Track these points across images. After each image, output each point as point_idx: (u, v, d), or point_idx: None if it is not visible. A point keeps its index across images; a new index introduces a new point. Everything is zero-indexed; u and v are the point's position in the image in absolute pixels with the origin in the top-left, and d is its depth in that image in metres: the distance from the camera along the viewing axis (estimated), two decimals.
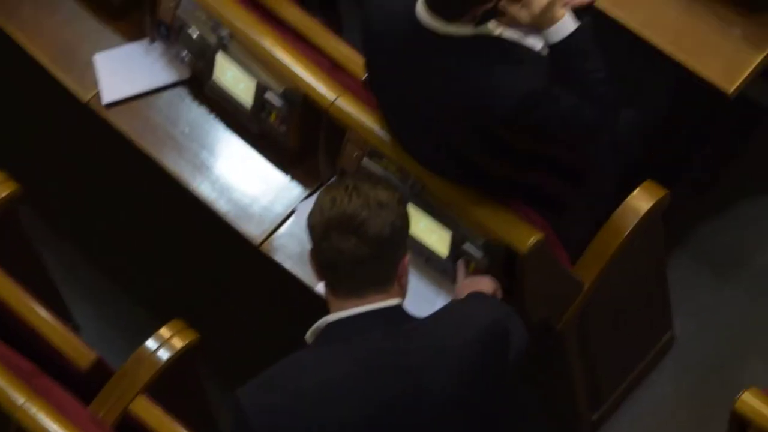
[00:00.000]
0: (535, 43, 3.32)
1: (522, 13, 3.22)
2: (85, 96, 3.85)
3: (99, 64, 3.87)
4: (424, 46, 3.23)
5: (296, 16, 3.72)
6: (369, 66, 3.49)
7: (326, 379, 2.73)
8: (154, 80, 3.85)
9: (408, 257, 2.85)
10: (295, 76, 3.60)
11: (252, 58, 3.64)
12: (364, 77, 3.60)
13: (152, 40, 3.85)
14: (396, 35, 3.28)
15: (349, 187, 2.79)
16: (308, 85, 3.59)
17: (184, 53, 3.76)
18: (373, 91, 3.51)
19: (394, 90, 3.37)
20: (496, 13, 3.21)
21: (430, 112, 3.29)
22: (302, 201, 3.69)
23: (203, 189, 3.74)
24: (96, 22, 3.92)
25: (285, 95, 3.61)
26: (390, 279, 2.80)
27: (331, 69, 3.64)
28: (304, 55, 3.64)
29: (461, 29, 3.20)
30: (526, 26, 3.25)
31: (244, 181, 3.74)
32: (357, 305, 2.77)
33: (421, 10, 3.21)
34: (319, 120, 3.61)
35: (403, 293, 2.86)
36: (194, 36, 3.71)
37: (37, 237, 4.01)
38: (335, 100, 3.55)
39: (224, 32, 3.66)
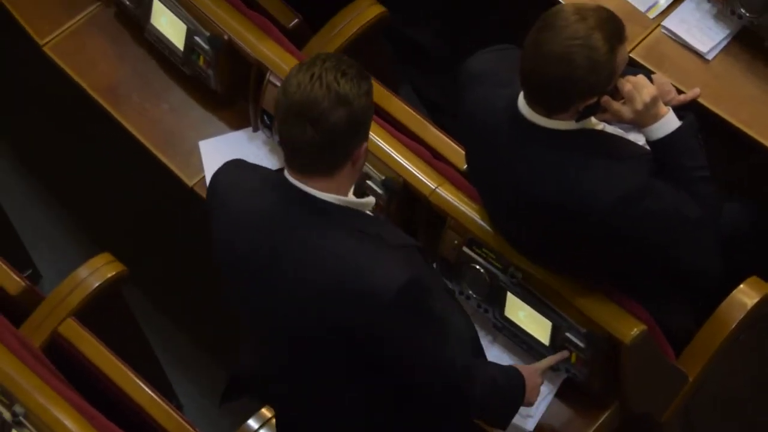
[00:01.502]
0: (638, 138, 3.27)
1: (624, 110, 3.18)
2: (190, 181, 3.86)
3: (204, 151, 3.88)
4: (525, 139, 3.19)
5: (399, 108, 3.72)
6: (469, 157, 3.47)
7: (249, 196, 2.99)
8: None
9: (365, 144, 2.93)
10: (396, 164, 3.58)
11: None
12: (464, 167, 3.59)
13: (255, 129, 3.86)
14: (497, 127, 3.24)
15: (314, 74, 2.86)
16: (409, 173, 3.57)
17: None
18: (473, 181, 3.49)
19: (494, 181, 3.33)
20: (599, 109, 3.16)
21: (530, 203, 3.24)
22: None
23: None
24: (201, 110, 3.93)
25: (385, 183, 3.58)
26: (339, 165, 2.93)
27: (432, 159, 3.63)
28: (405, 145, 3.63)
29: (563, 124, 3.16)
30: (628, 122, 3.22)
31: None
32: (304, 180, 2.91)
33: (522, 103, 3.18)
34: (419, 209, 3.58)
35: (356, 173, 2.98)
36: None
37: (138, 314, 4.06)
38: (436, 188, 3.53)
39: None
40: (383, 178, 3.59)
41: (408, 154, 3.59)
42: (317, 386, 3.13)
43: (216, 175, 3.09)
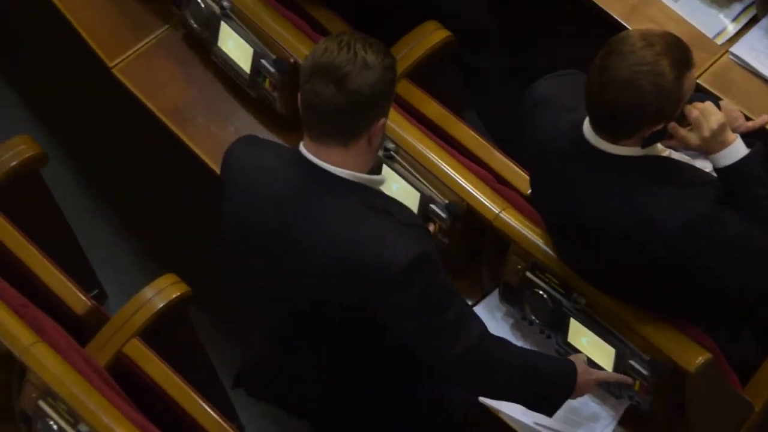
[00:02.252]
0: (705, 165, 3.22)
1: (691, 136, 3.13)
2: None
3: None
4: (590, 165, 3.15)
5: (464, 133, 3.69)
6: (533, 182, 3.43)
7: (264, 173, 3.02)
8: None
9: (383, 121, 2.94)
10: (460, 188, 3.55)
11: (417, 171, 3.60)
12: (528, 192, 3.55)
13: None
14: (562, 153, 3.20)
15: (343, 41, 2.91)
16: (473, 198, 3.54)
17: None
18: (537, 206, 3.45)
19: (558, 206, 3.29)
20: (665, 135, 3.11)
21: (595, 229, 3.19)
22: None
23: None
24: (267, 133, 3.91)
25: (449, 207, 3.56)
26: (357, 135, 2.93)
27: (496, 183, 3.59)
28: (469, 169, 3.60)
29: (629, 150, 3.11)
30: (695, 149, 3.17)
31: None
32: (318, 153, 2.95)
33: (587, 129, 3.13)
34: (483, 232, 3.56)
35: (372, 152, 2.98)
36: None
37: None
38: (500, 213, 3.49)
39: (390, 145, 3.63)
40: (447, 202, 3.55)
41: (472, 178, 3.56)
42: (316, 359, 3.17)
43: (230, 152, 3.11)
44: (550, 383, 3.19)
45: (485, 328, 3.12)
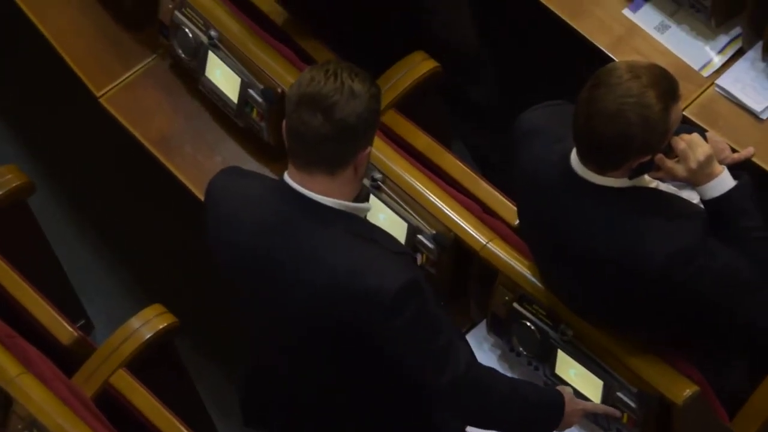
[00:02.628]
0: (692, 196, 3.21)
1: (678, 168, 3.12)
2: None
3: None
4: (577, 195, 3.13)
5: (451, 163, 3.68)
6: (521, 212, 3.42)
7: (247, 201, 3.02)
8: None
9: (369, 149, 2.95)
10: (447, 218, 3.53)
11: (404, 201, 3.59)
12: (515, 223, 3.54)
13: None
14: (550, 183, 3.18)
15: (329, 71, 2.91)
16: (461, 228, 3.52)
17: None
18: (525, 237, 3.43)
19: (545, 237, 3.27)
20: (652, 166, 3.10)
21: (582, 260, 3.18)
22: None
23: None
24: (255, 162, 3.89)
25: (436, 238, 3.55)
26: (343, 164, 2.94)
27: (483, 214, 3.57)
28: (456, 199, 3.59)
29: (616, 181, 3.09)
30: (682, 180, 3.16)
31: None
32: (303, 182, 2.94)
33: (575, 160, 3.12)
34: (470, 263, 3.54)
35: (357, 181, 2.99)
36: None
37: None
38: (487, 243, 3.48)
39: (377, 175, 3.62)
40: (434, 232, 3.54)
41: (459, 209, 3.55)
42: (308, 386, 3.15)
43: (212, 183, 3.11)
44: (539, 412, 3.17)
45: (473, 356, 3.10)
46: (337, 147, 2.91)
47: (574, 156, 3.13)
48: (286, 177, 2.97)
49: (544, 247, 3.31)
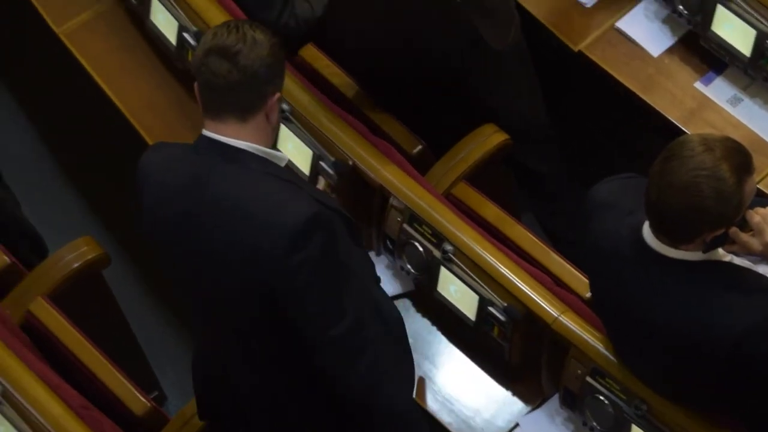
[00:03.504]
0: (767, 271, 3.17)
1: (753, 242, 3.07)
2: None
3: None
4: (650, 269, 3.09)
5: (521, 235, 3.66)
6: (593, 285, 3.38)
7: (168, 164, 3.12)
8: None
9: (278, 96, 3.07)
10: (518, 291, 3.50)
11: (475, 273, 3.59)
12: (587, 295, 3.51)
13: (378, 253, 3.82)
14: (622, 256, 3.15)
15: (230, 26, 3.06)
16: (532, 301, 3.49)
17: (408, 266, 3.72)
18: (597, 309, 3.39)
19: (618, 310, 3.23)
20: (726, 240, 3.06)
21: (656, 334, 3.13)
22: (525, 415, 3.58)
23: (426, 399, 3.66)
24: None
25: (508, 310, 3.52)
26: (254, 108, 3.05)
27: (554, 286, 3.55)
28: (527, 272, 3.56)
29: (689, 254, 3.06)
30: (757, 254, 3.11)
31: (466, 394, 3.63)
32: (217, 129, 3.05)
33: (647, 232, 3.08)
34: (542, 336, 3.50)
35: (270, 128, 3.09)
36: (420, 250, 3.68)
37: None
38: (559, 316, 3.44)
39: (448, 247, 3.62)
40: (505, 305, 3.51)
41: (530, 281, 3.51)
42: (229, 342, 3.20)
43: (140, 161, 3.21)
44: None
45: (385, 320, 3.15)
46: (246, 92, 3.04)
47: (646, 229, 3.09)
48: (203, 131, 3.10)
49: (617, 320, 3.27)
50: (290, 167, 3.27)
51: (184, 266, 3.15)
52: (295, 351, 3.12)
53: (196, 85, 3.08)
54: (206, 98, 3.08)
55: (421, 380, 3.64)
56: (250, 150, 3.07)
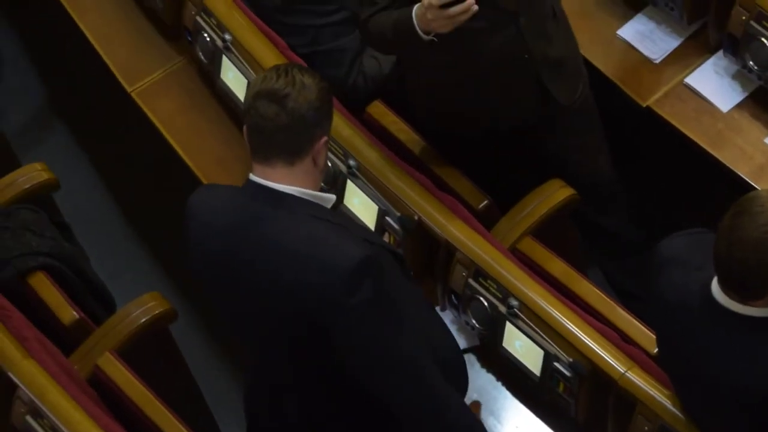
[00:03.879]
0: None
1: None
2: None
3: None
4: (718, 325, 3.04)
5: (588, 290, 3.63)
6: (661, 341, 3.34)
7: (218, 207, 3.16)
8: None
9: (325, 139, 3.10)
10: (585, 346, 3.46)
11: (541, 328, 3.56)
12: (654, 352, 3.46)
13: (443, 308, 3.79)
14: (690, 312, 3.10)
15: (280, 69, 3.11)
16: (598, 357, 3.45)
17: (473, 321, 3.71)
18: (665, 366, 3.35)
19: (687, 367, 3.18)
20: None
21: (726, 392, 3.06)
22: None
23: None
24: None
25: (574, 366, 3.48)
26: (301, 152, 3.08)
27: (621, 342, 3.50)
28: (593, 327, 3.52)
29: (760, 311, 3.00)
30: None
31: None
32: (265, 175, 3.09)
33: (716, 288, 3.04)
34: (609, 392, 3.46)
35: (318, 171, 3.12)
36: (485, 305, 3.66)
37: None
38: (625, 372, 3.39)
39: (514, 302, 3.60)
40: (571, 360, 3.48)
41: (597, 336, 3.47)
42: (290, 397, 3.23)
43: (189, 199, 3.25)
44: None
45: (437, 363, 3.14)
46: (294, 135, 3.07)
47: (714, 285, 3.05)
48: (251, 175, 3.13)
49: (684, 375, 3.22)
50: (339, 208, 3.29)
51: (228, 303, 3.19)
52: (343, 381, 3.16)
53: (245, 128, 3.11)
54: (254, 141, 3.11)
55: None
56: (299, 195, 3.09)
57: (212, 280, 3.18)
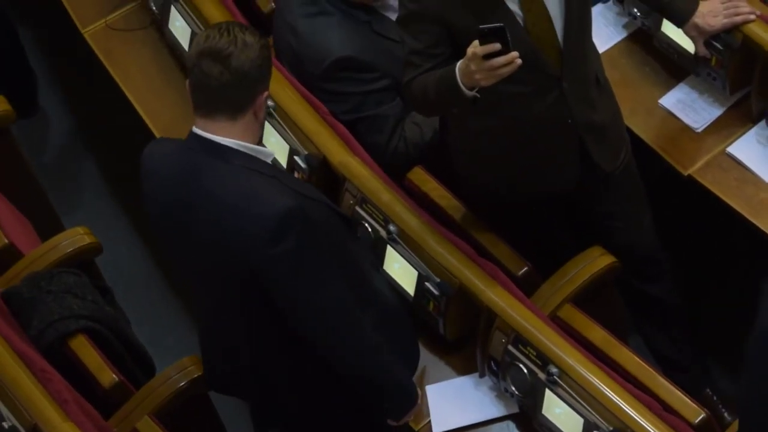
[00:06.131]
0: None
1: None
2: (416, 425, 3.78)
3: (431, 395, 3.81)
4: None
5: (628, 359, 3.59)
6: None
7: (164, 158, 3.35)
8: (483, 413, 3.77)
9: (266, 94, 3.26)
10: (625, 414, 3.41)
11: (581, 396, 3.53)
12: (695, 422, 3.42)
13: (482, 374, 3.79)
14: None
15: (222, 28, 3.24)
16: (638, 425, 3.38)
17: (513, 388, 3.70)
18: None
19: None
20: None
21: None
22: None
23: None
24: (428, 354, 3.87)
25: None
26: (244, 108, 3.24)
27: (662, 412, 3.45)
28: (634, 396, 3.49)
29: None
30: None
31: None
32: (207, 128, 3.25)
33: None
34: None
35: (258, 125, 3.30)
36: (524, 372, 3.65)
37: None
38: None
39: (553, 369, 3.58)
40: (611, 429, 3.45)
41: (637, 405, 3.43)
42: (223, 318, 3.42)
43: (143, 153, 3.40)
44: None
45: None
46: (237, 92, 3.22)
47: None
48: (193, 128, 3.28)
49: None
50: (276, 162, 3.47)
51: (177, 249, 3.39)
52: (285, 329, 3.31)
53: (188, 83, 3.24)
54: (198, 98, 3.24)
55: None
56: (237, 147, 3.24)
57: (164, 229, 3.37)
